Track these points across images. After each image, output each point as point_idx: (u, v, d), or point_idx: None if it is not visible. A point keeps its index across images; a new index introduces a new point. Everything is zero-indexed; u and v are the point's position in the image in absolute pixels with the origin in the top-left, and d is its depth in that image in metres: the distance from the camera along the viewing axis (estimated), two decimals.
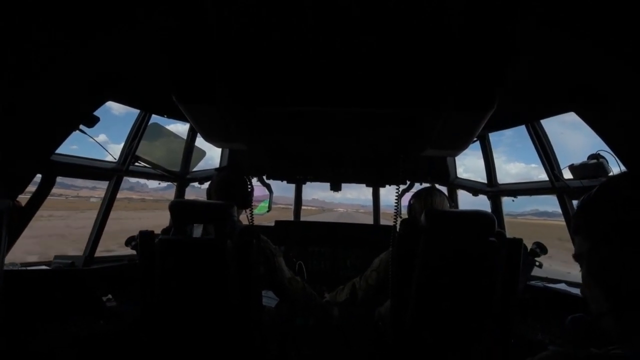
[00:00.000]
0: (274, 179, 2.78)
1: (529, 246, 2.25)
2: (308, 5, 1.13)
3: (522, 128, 2.30)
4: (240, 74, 1.43)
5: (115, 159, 2.37)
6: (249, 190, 1.99)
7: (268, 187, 2.66)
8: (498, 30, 1.22)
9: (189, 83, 1.38)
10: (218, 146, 2.29)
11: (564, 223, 2.20)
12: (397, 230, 1.87)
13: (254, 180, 2.61)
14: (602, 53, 1.19)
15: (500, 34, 1.24)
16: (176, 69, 1.37)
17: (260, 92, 1.47)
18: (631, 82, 1.24)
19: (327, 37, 1.28)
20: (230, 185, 1.94)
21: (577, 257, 0.72)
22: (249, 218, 2.05)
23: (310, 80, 1.45)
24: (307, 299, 1.96)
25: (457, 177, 2.89)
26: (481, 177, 2.86)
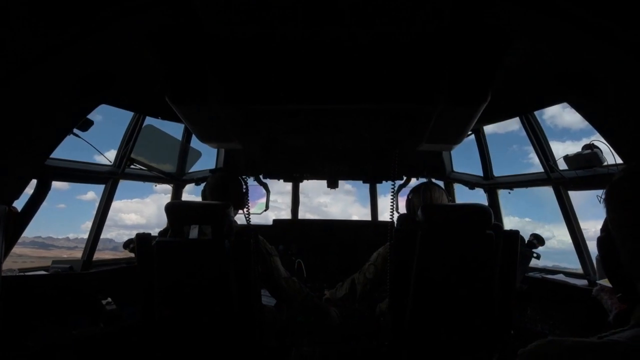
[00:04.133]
0: (271, 177, 2.78)
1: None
2: (298, 0, 1.12)
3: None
4: (232, 73, 1.42)
5: (110, 162, 2.36)
6: (244, 190, 1.99)
7: (265, 186, 2.66)
8: (488, 21, 1.22)
9: (181, 84, 1.37)
10: (213, 146, 2.28)
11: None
12: (395, 225, 1.87)
13: (251, 180, 2.60)
14: (596, 41, 1.19)
15: (490, 25, 1.24)
16: (168, 70, 1.36)
17: (252, 91, 1.46)
18: (625, 70, 1.24)
19: (317, 32, 1.28)
20: (225, 186, 1.94)
21: None
22: (247, 218, 2.05)
23: (302, 77, 1.44)
24: (304, 299, 1.96)
25: (453, 170, 2.90)
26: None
